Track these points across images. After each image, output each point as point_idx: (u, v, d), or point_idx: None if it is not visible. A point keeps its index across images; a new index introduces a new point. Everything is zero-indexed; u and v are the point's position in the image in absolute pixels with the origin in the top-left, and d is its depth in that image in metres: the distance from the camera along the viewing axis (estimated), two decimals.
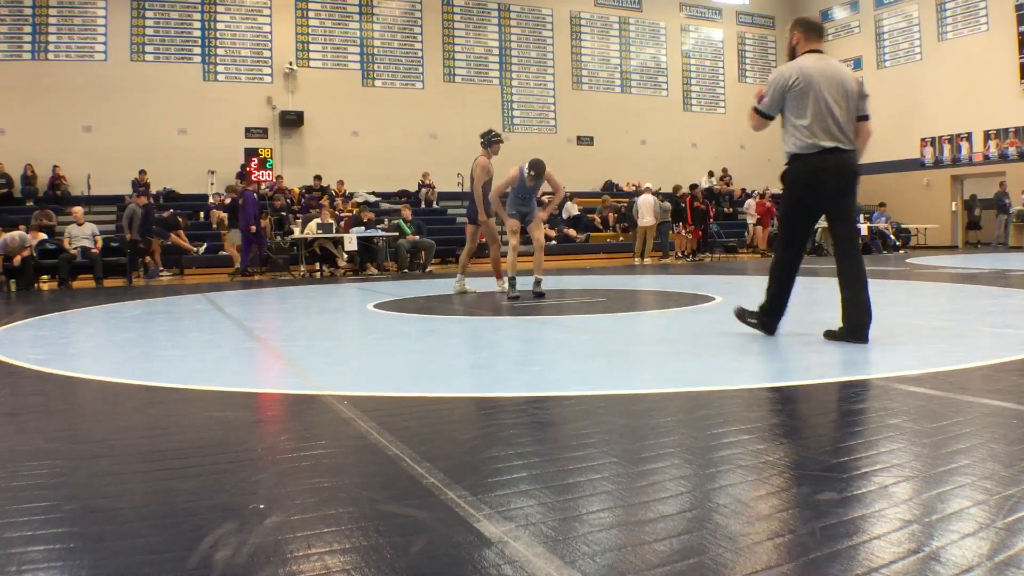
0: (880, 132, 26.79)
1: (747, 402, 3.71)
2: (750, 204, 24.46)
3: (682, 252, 21.93)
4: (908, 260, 17.95)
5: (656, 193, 21.40)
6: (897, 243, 23.59)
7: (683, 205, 21.82)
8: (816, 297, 9.47)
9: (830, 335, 5.29)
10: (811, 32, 5.35)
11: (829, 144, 5.07)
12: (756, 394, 3.86)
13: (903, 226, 24.97)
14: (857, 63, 28.08)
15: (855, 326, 5.13)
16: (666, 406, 3.64)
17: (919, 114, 26.28)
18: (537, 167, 9.46)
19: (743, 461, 2.68)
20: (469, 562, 1.90)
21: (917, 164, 26.71)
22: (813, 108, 5.06)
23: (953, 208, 26.16)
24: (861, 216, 23.70)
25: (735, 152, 28.45)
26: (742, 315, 5.74)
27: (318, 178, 22.29)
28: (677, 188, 22.50)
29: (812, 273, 13.81)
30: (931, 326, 6.29)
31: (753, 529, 2.07)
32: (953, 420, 3.14)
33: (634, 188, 24.75)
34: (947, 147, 25.98)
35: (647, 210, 20.73)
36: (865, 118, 5.27)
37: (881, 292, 9.84)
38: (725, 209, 25.52)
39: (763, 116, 5.30)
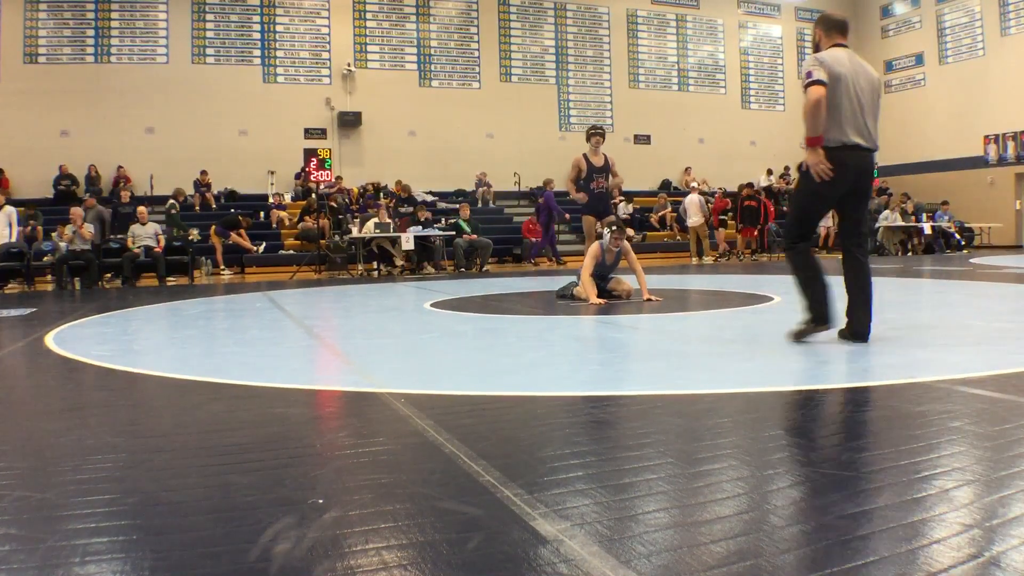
0: (942, 129, 26.44)
1: (806, 404, 3.66)
2: None
3: (741, 252, 21.70)
4: (971, 260, 17.60)
5: (707, 193, 21.32)
6: (961, 243, 23.11)
7: (746, 203, 21.57)
8: (880, 299, 9.33)
9: (841, 335, 5.23)
10: (832, 28, 5.23)
11: (855, 140, 4.95)
12: (815, 396, 3.81)
13: (966, 225, 24.47)
14: (919, 59, 27.61)
15: (860, 329, 5.13)
16: (723, 407, 3.61)
17: (982, 110, 25.72)
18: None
19: (801, 463, 2.65)
20: (524, 560, 1.91)
21: (981, 162, 26.13)
22: (843, 100, 4.94)
23: (1017, 207, 25.52)
24: (924, 215, 23.33)
25: (795, 149, 28.01)
26: (799, 335, 5.32)
27: (373, 185, 22.55)
28: (742, 187, 22.29)
29: (876, 273, 13.61)
30: (995, 327, 6.16)
31: (811, 532, 2.05)
32: (1017, 423, 3.08)
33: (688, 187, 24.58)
34: (1011, 144, 25.37)
35: (694, 210, 20.70)
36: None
37: (944, 292, 9.67)
38: (784, 208, 25.19)
39: (822, 84, 4.95)
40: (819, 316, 5.18)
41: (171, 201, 18.54)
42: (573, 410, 3.67)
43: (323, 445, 3.14)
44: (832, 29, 5.22)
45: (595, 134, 10.00)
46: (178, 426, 3.58)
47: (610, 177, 10.00)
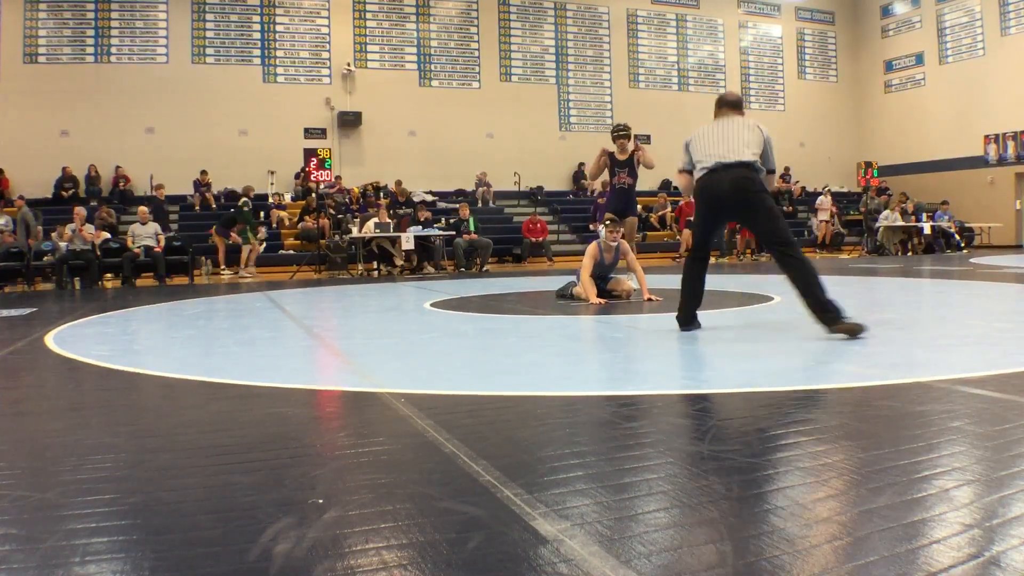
0: (942, 129, 26.42)
1: (806, 403, 3.66)
2: (823, 201, 24.12)
3: (741, 252, 21.69)
4: (971, 260, 17.60)
5: None
6: (961, 243, 23.09)
7: None
8: (878, 297, 9.34)
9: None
10: (722, 106, 6.27)
11: (711, 164, 5.88)
12: (815, 395, 3.81)
13: (966, 225, 24.45)
14: (919, 59, 27.61)
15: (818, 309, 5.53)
16: (724, 406, 3.61)
17: (982, 111, 25.69)
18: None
19: (802, 463, 2.65)
20: (524, 559, 1.91)
21: (981, 161, 26.10)
22: (700, 151, 6.03)
23: (1017, 206, 25.50)
24: (924, 215, 23.32)
25: (795, 150, 28.04)
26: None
27: (372, 185, 22.58)
28: None
29: (876, 273, 13.62)
30: (995, 327, 6.16)
31: (811, 532, 2.04)
32: (1017, 423, 3.08)
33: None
34: (1011, 144, 25.35)
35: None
36: (771, 171, 6.06)
37: (944, 292, 9.67)
38: (785, 208, 25.17)
39: (686, 172, 6.25)
40: (681, 318, 6.15)
41: (244, 199, 18.54)
42: (573, 410, 3.67)
43: (323, 445, 3.14)
44: (723, 107, 6.27)
45: (619, 136, 9.81)
46: (178, 426, 3.58)
47: (636, 172, 9.96)
